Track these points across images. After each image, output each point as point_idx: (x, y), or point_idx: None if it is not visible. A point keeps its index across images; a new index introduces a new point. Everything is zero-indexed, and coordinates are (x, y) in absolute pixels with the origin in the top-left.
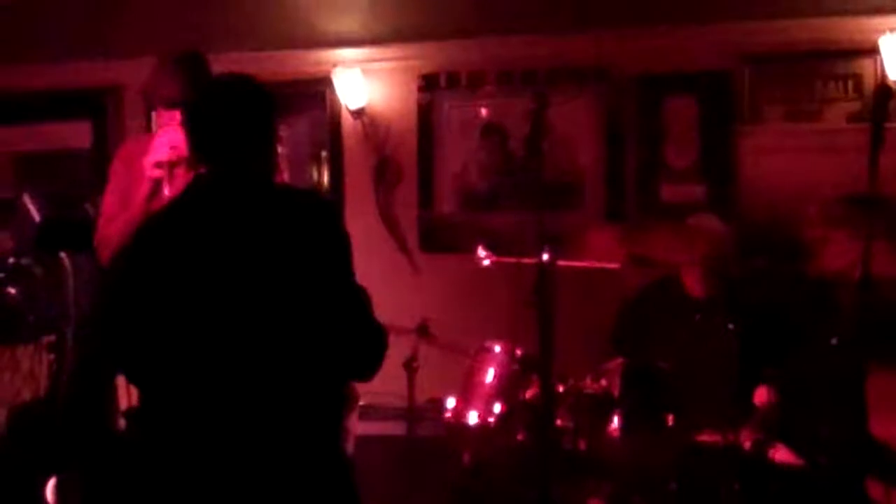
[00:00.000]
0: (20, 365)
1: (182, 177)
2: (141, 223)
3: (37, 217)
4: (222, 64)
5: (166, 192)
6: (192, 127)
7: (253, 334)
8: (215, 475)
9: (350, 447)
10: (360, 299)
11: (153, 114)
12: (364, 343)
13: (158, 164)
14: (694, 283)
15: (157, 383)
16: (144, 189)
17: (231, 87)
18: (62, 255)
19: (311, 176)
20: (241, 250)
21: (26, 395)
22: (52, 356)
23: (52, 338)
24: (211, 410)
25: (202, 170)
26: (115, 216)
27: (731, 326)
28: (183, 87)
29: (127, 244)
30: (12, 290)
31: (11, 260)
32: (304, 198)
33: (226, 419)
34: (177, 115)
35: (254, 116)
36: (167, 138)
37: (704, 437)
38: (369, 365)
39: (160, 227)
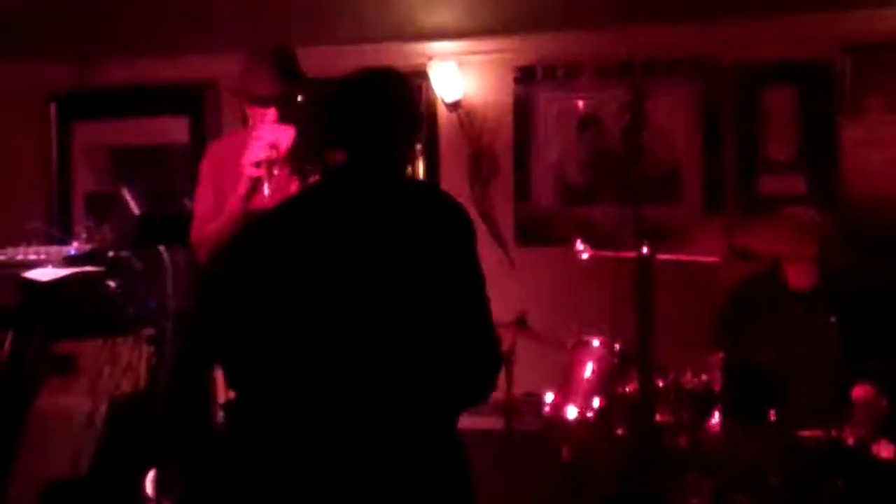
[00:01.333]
0: (120, 358)
1: (282, 176)
2: (266, 212)
3: (136, 210)
4: (318, 57)
5: (266, 191)
6: (336, 115)
7: (369, 330)
8: (313, 474)
9: None
10: (485, 311)
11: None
12: (481, 360)
13: (257, 164)
14: (797, 276)
15: (263, 379)
16: (242, 188)
17: (380, 79)
18: (161, 248)
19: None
20: (369, 242)
21: (126, 387)
22: (151, 349)
23: (152, 331)
24: (315, 407)
25: (339, 157)
26: (211, 216)
27: (832, 320)
28: (274, 84)
29: (247, 232)
30: (112, 283)
31: (111, 253)
32: (437, 195)
33: (330, 417)
34: (269, 112)
35: (399, 110)
36: (266, 137)
37: (807, 433)
38: (482, 387)
39: (286, 215)
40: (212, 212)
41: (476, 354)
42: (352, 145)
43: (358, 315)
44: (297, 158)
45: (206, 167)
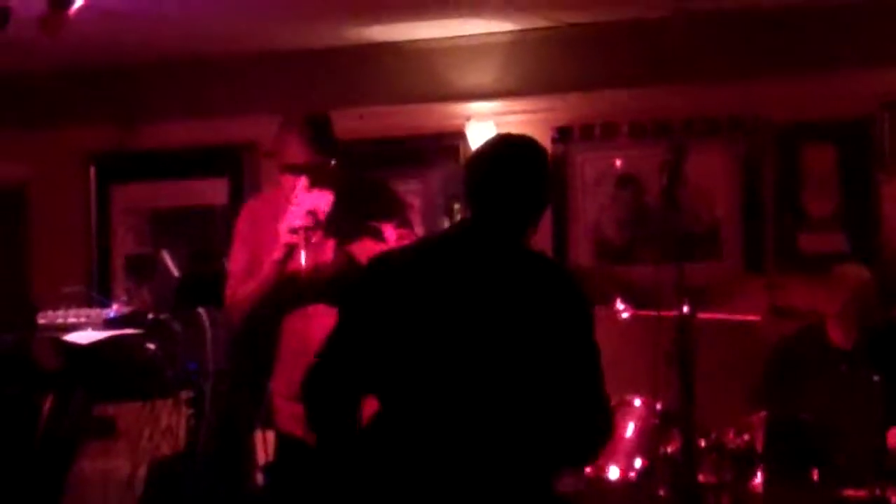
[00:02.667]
0: (159, 420)
1: (319, 242)
2: (382, 256)
3: (175, 273)
4: (357, 118)
5: (302, 259)
6: (469, 173)
7: (476, 385)
8: None
9: None
10: (597, 378)
11: None
12: (591, 426)
13: (294, 230)
14: (840, 334)
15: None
16: (278, 253)
17: (517, 146)
18: (200, 310)
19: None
20: (484, 300)
21: (165, 449)
22: (190, 411)
23: (191, 393)
24: (418, 452)
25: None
26: (245, 276)
27: (876, 378)
28: (305, 152)
29: (363, 276)
30: (151, 346)
31: (151, 315)
32: (551, 266)
33: (434, 464)
34: (302, 180)
35: (529, 178)
36: (304, 203)
37: (850, 492)
38: (591, 449)
39: (406, 263)
40: (245, 272)
41: (584, 421)
42: (478, 204)
43: (465, 368)
44: (334, 221)
45: (241, 226)
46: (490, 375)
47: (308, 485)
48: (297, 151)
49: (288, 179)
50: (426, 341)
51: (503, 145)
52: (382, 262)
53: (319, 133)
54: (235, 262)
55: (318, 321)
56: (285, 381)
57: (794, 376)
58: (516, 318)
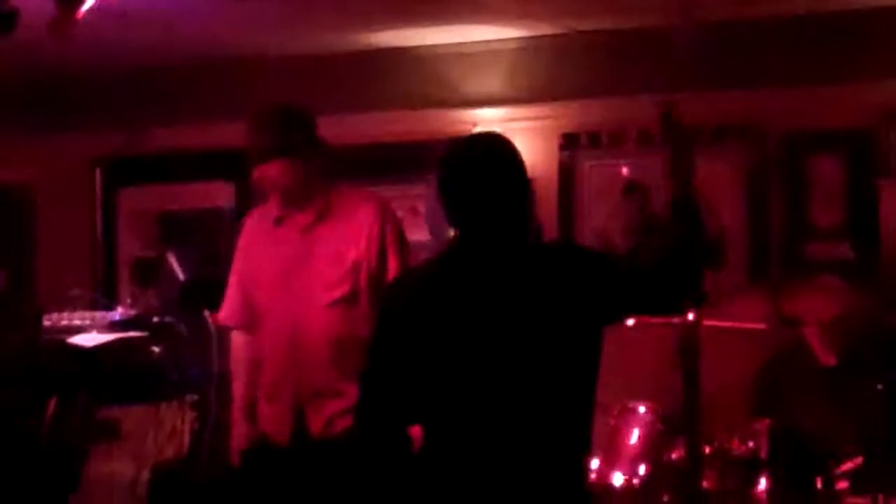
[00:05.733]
0: (164, 423)
1: None
2: (395, 284)
3: (181, 276)
4: (363, 123)
5: None
6: (443, 195)
7: (506, 381)
8: None
9: None
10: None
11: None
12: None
13: None
14: (817, 346)
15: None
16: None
17: (476, 154)
18: (206, 313)
19: (449, 234)
20: (493, 309)
21: (170, 453)
22: (195, 414)
23: (196, 396)
24: (457, 453)
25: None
26: (235, 300)
27: (879, 387)
28: (273, 140)
29: (384, 307)
30: (156, 349)
31: (156, 318)
32: (560, 250)
33: (470, 462)
34: (265, 168)
35: (499, 182)
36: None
37: (854, 501)
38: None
39: (411, 290)
40: (236, 293)
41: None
42: (461, 223)
43: (502, 372)
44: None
45: (239, 242)
46: (527, 373)
47: (274, 486)
48: (260, 139)
49: (256, 171)
50: (460, 359)
51: (460, 157)
52: (398, 289)
53: (285, 122)
54: (230, 282)
55: (299, 324)
56: (267, 382)
57: (785, 386)
58: (541, 310)
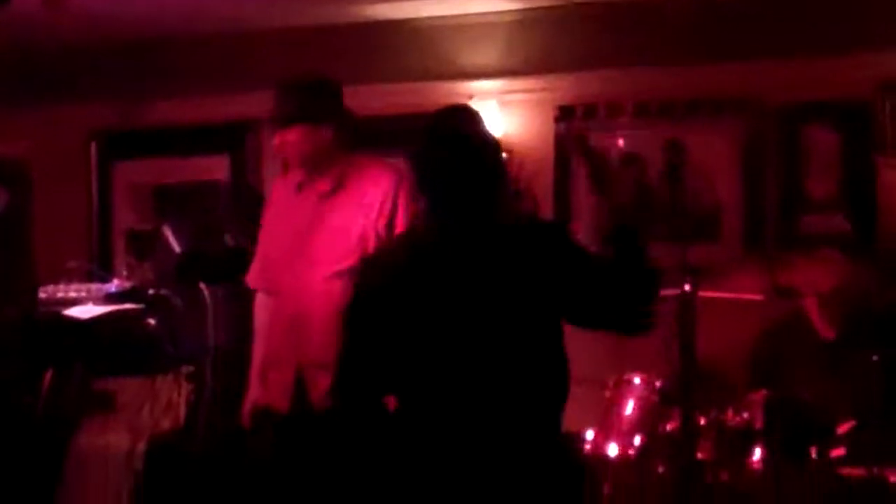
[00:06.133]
0: (159, 395)
1: None
2: (371, 258)
3: (177, 248)
4: (360, 95)
5: None
6: (416, 173)
7: (479, 361)
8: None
9: None
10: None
11: None
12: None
13: None
14: (823, 324)
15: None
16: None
17: (445, 131)
18: (201, 286)
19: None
20: (456, 283)
21: (165, 425)
22: (191, 387)
23: (191, 368)
24: (434, 412)
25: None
26: (259, 265)
27: (875, 359)
28: (296, 106)
29: (361, 281)
30: (152, 321)
31: (152, 291)
32: (528, 227)
33: (447, 421)
34: (285, 134)
35: (459, 159)
36: None
37: (849, 471)
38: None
39: (397, 261)
40: (258, 256)
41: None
42: (431, 198)
43: (461, 341)
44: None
45: (267, 208)
46: (491, 343)
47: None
48: (284, 106)
49: (276, 137)
50: (427, 330)
51: (431, 131)
52: (374, 264)
53: (313, 93)
54: (258, 245)
55: (303, 292)
56: (271, 349)
57: (779, 362)
58: (501, 286)
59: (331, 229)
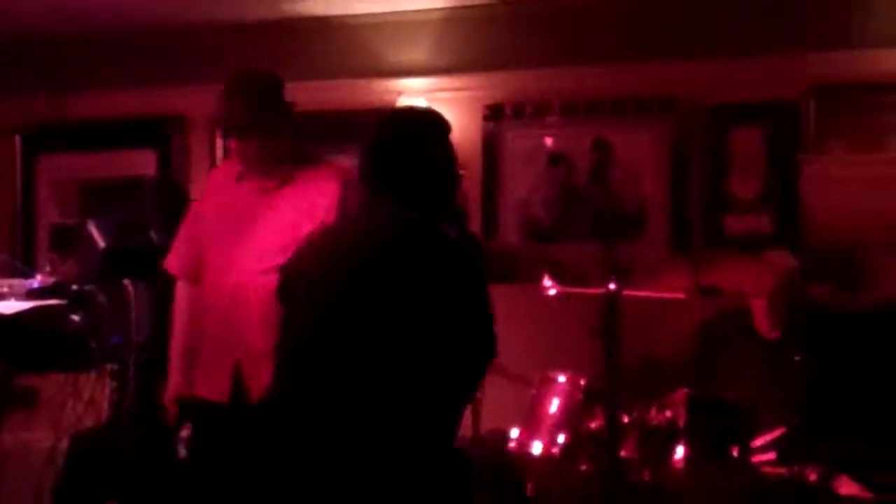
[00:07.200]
0: (82, 392)
1: None
2: (301, 248)
3: (101, 244)
4: (290, 92)
5: None
6: (367, 157)
7: (373, 349)
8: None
9: None
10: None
11: (220, 142)
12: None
13: None
14: (765, 322)
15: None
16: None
17: (407, 123)
18: (126, 282)
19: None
20: (379, 286)
21: (88, 422)
22: (114, 383)
23: (115, 365)
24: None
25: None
26: (182, 251)
27: (797, 358)
28: (247, 114)
29: (288, 267)
30: (76, 317)
31: (75, 287)
32: (448, 245)
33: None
34: (243, 146)
35: (422, 157)
36: None
37: (770, 469)
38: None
39: (318, 253)
40: (184, 243)
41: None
42: (373, 189)
43: (360, 332)
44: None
45: (201, 195)
46: (384, 345)
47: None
48: (236, 116)
49: (233, 144)
50: (327, 319)
51: (393, 123)
52: (301, 253)
53: (261, 94)
54: (181, 230)
55: (240, 284)
56: (204, 338)
57: (719, 360)
58: (397, 289)
59: (274, 225)
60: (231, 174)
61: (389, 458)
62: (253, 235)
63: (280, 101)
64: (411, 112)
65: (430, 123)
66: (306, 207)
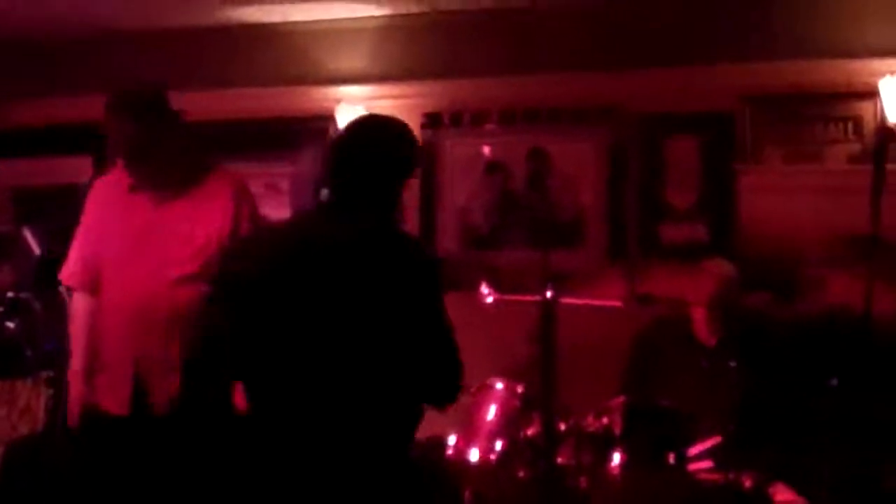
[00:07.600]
0: (18, 400)
1: None
2: (245, 240)
3: (37, 251)
4: (228, 99)
5: None
6: (333, 158)
7: (333, 353)
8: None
9: None
10: (446, 336)
11: None
12: (440, 372)
13: None
14: (704, 329)
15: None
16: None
17: (374, 128)
18: (61, 289)
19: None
20: (336, 280)
21: (23, 429)
22: (50, 391)
23: (50, 373)
24: (287, 417)
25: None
26: (78, 265)
27: (732, 364)
28: (137, 135)
29: (227, 260)
30: (11, 325)
31: (11, 294)
32: (408, 245)
33: (300, 427)
34: (127, 163)
35: (380, 160)
36: None
37: (705, 476)
38: (445, 393)
39: (267, 246)
40: (80, 258)
41: (434, 367)
42: (333, 185)
43: (320, 334)
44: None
45: (87, 206)
46: (344, 349)
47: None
48: (119, 134)
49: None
50: (286, 322)
51: (358, 127)
52: (245, 245)
53: (145, 112)
54: (75, 242)
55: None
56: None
57: (656, 367)
58: (366, 293)
59: (172, 234)
60: (121, 185)
61: (352, 461)
62: (153, 246)
63: (167, 112)
64: (376, 118)
65: (392, 129)
66: (203, 216)
